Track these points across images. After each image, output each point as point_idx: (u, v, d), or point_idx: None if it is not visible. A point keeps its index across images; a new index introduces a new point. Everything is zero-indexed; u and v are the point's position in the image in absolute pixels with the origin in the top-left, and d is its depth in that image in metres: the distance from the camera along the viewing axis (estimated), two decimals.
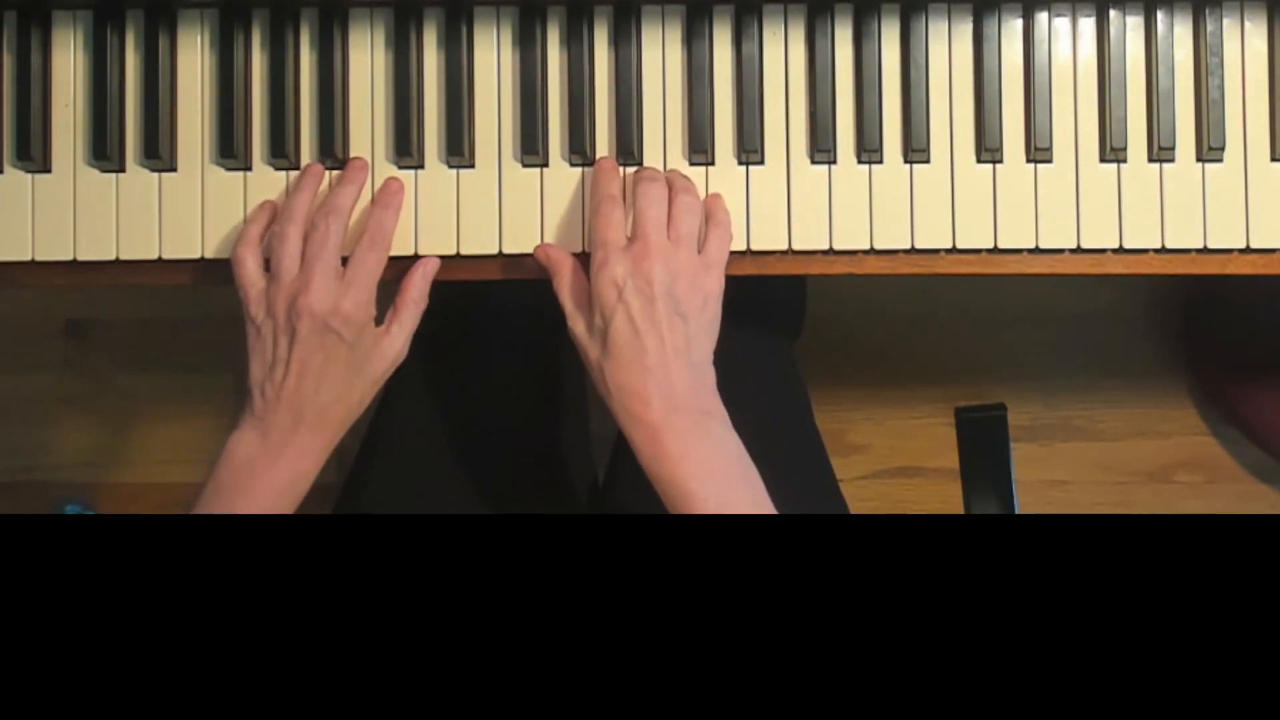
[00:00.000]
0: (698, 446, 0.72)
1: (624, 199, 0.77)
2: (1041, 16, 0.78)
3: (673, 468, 0.72)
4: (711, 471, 0.72)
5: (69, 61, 0.80)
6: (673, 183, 0.77)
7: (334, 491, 0.97)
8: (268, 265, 0.76)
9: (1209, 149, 0.78)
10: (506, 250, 0.79)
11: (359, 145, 0.80)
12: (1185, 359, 1.53)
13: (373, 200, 0.78)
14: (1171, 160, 0.79)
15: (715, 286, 0.75)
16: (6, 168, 0.80)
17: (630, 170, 0.79)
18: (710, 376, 0.75)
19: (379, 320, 0.77)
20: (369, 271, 0.75)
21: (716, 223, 0.77)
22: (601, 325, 0.73)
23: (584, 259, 0.77)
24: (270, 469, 0.74)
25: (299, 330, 0.73)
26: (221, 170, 0.80)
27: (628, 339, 0.72)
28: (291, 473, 0.74)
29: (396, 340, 0.77)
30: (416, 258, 0.79)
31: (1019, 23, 0.79)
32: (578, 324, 0.75)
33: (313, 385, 0.74)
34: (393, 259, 0.78)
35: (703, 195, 0.79)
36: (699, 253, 0.75)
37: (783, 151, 0.79)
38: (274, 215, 0.78)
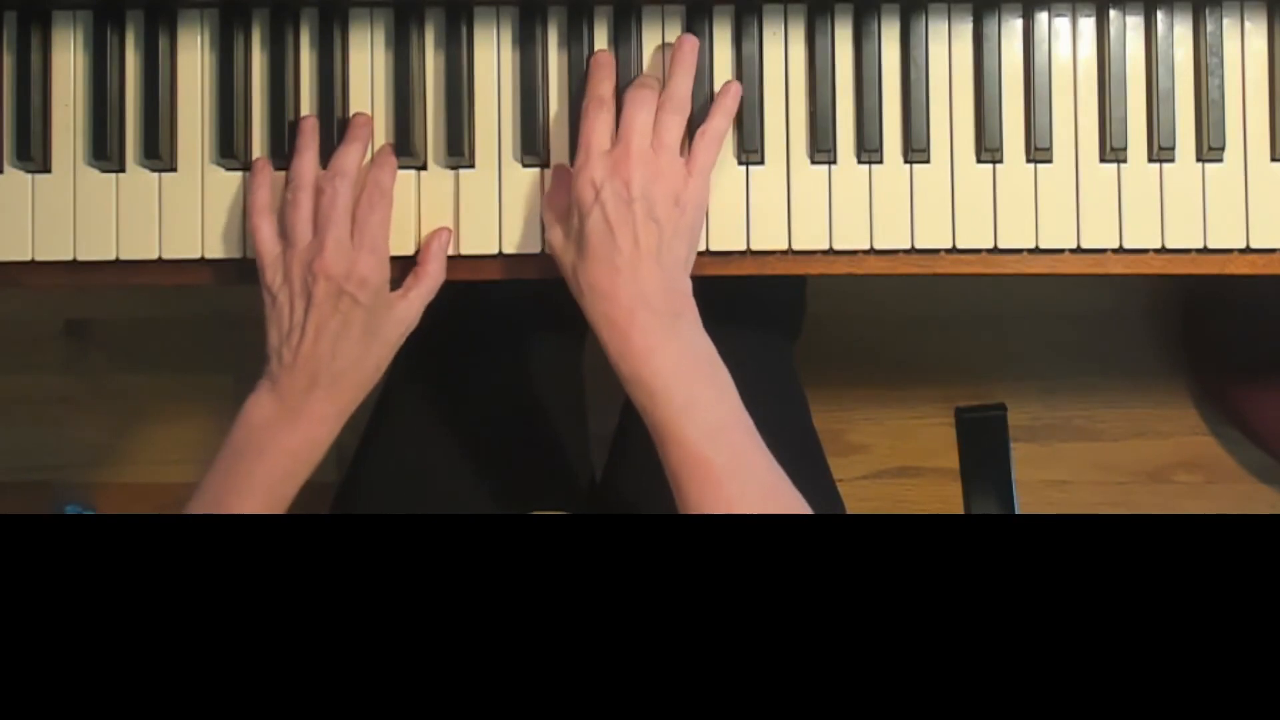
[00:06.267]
0: (664, 344, 0.72)
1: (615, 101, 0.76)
2: (1041, 16, 0.78)
3: (639, 365, 0.72)
4: (678, 369, 0.72)
5: (69, 61, 0.80)
6: (669, 92, 0.76)
7: (331, 490, 0.97)
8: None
9: (1209, 149, 0.78)
10: (506, 250, 0.79)
11: None
12: (1185, 359, 1.52)
13: (370, 162, 0.78)
14: (1171, 160, 0.79)
15: (695, 194, 0.75)
16: (6, 168, 0.80)
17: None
18: (685, 282, 0.75)
19: (395, 286, 0.77)
20: (375, 232, 0.76)
21: (702, 132, 0.76)
22: (577, 225, 0.73)
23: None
24: (284, 432, 0.74)
25: (315, 294, 0.74)
26: (221, 170, 0.80)
27: (601, 238, 0.73)
28: (306, 437, 0.75)
29: (413, 305, 0.78)
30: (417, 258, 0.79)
31: (1019, 23, 0.79)
32: (555, 234, 0.76)
33: (328, 349, 0.74)
34: (394, 259, 0.78)
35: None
36: (684, 160, 0.75)
37: (783, 151, 0.79)
38: (270, 176, 0.78)
